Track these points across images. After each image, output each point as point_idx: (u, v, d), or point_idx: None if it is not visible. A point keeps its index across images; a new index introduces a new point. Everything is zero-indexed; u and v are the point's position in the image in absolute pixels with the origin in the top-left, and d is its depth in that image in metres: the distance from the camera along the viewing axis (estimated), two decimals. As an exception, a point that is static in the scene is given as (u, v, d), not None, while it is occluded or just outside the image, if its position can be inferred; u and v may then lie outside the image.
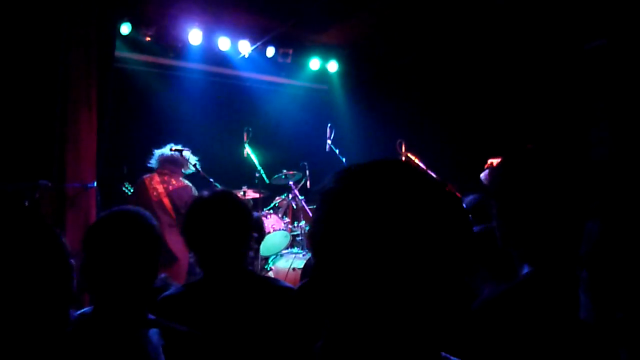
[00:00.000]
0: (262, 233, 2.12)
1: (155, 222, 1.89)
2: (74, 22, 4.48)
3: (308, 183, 6.28)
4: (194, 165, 5.08)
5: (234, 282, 1.95)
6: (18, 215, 1.37)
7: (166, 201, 4.82)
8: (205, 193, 2.04)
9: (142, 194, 4.86)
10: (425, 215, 0.75)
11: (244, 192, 5.80)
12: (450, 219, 0.77)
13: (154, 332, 1.62)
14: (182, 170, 5.06)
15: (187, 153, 5.07)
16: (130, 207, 1.77)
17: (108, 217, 1.71)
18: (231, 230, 1.93)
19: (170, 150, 5.05)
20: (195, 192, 5.01)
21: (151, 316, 1.68)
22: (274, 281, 2.05)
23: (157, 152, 5.06)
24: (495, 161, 5.88)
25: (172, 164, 4.99)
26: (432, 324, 0.74)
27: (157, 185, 4.85)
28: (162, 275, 2.18)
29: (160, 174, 4.95)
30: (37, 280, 1.31)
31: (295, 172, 6.15)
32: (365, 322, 0.74)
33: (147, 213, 1.82)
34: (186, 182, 5.05)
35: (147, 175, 4.99)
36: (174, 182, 4.91)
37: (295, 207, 6.20)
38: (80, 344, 1.46)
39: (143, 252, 1.69)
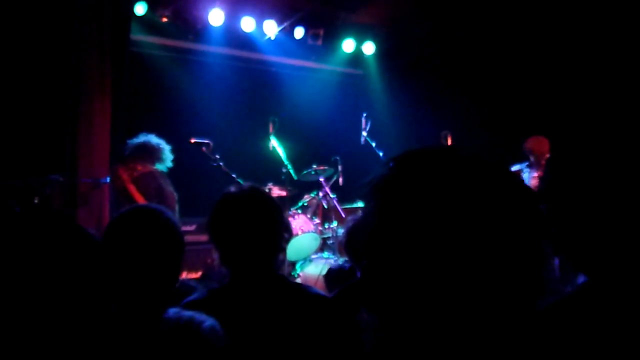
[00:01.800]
0: (290, 234, 2.14)
1: (177, 220, 1.97)
2: (85, 3, 4.61)
3: (340, 180, 6.24)
4: (171, 161, 5.11)
5: (264, 288, 1.96)
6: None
7: (131, 189, 4.86)
8: (233, 188, 2.07)
9: (112, 184, 4.96)
10: (497, 206, 0.74)
11: (269, 190, 5.74)
12: (521, 209, 0.76)
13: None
14: (155, 161, 5.08)
15: (165, 146, 5.12)
16: (152, 204, 1.85)
17: (127, 215, 1.78)
18: (262, 229, 1.95)
19: (190, 142, 5.16)
20: (163, 178, 5.02)
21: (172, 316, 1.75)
22: (307, 288, 2.05)
23: (130, 142, 5.09)
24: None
25: (142, 152, 5.05)
26: (503, 325, 0.74)
27: (122, 172, 4.90)
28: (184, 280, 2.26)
29: (127, 162, 5.01)
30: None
31: (326, 167, 6.15)
32: (430, 325, 0.74)
33: (169, 212, 1.91)
34: (154, 167, 5.07)
35: (119, 164, 5.08)
36: (139, 168, 4.96)
37: (326, 206, 6.17)
38: (100, 345, 1.57)
39: (163, 253, 1.75)
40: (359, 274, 2.89)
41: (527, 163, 6.37)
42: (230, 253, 1.99)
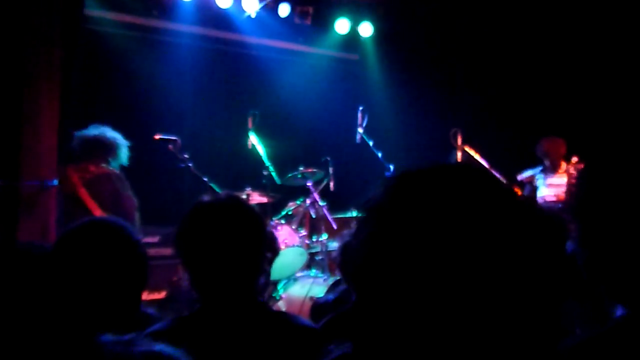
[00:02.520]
0: (275, 253, 2.13)
1: (139, 237, 1.95)
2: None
3: (332, 185, 6.29)
4: (127, 158, 5.09)
5: (242, 317, 1.95)
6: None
7: (83, 193, 4.81)
8: (206, 197, 2.05)
9: (61, 188, 4.92)
10: (510, 237, 0.77)
11: (248, 196, 5.82)
12: (539, 240, 0.79)
13: None
14: (110, 159, 5.10)
15: (122, 142, 5.09)
16: (109, 217, 1.84)
17: (78, 231, 1.81)
18: (241, 248, 1.94)
19: (154, 138, 5.13)
20: (120, 181, 4.97)
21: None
22: (292, 318, 2.03)
23: (79, 135, 5.05)
24: (577, 158, 6.09)
25: (94, 149, 5.01)
26: None
27: (72, 174, 4.87)
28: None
29: (77, 162, 4.98)
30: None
31: (315, 169, 6.16)
32: None
33: (129, 227, 1.89)
34: (110, 168, 5.05)
35: (69, 164, 5.04)
36: (93, 169, 4.93)
37: (314, 216, 6.22)
38: None
39: (122, 277, 1.77)
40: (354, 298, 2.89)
41: (541, 168, 6.46)
42: (202, 275, 1.97)
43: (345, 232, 3.26)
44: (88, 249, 1.75)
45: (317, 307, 4.56)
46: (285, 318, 2.05)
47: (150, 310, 2.55)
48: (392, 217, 0.81)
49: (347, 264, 2.93)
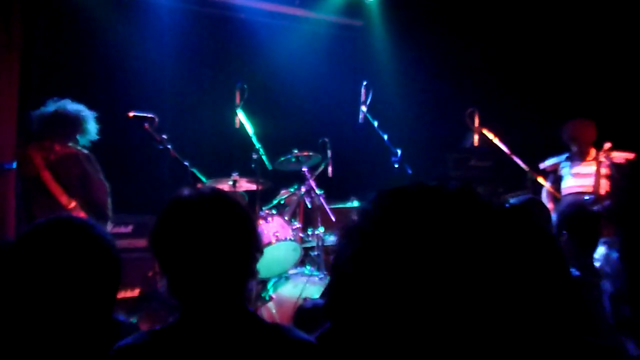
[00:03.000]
0: (261, 252, 2.14)
1: (110, 237, 1.94)
2: None
3: (330, 170, 6.25)
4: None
5: (228, 331, 1.94)
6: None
7: (46, 176, 4.84)
8: (187, 192, 2.04)
9: (21, 170, 4.95)
10: (499, 265, 0.83)
11: (234, 182, 5.80)
12: (526, 265, 0.85)
13: None
14: (77, 136, 5.10)
15: (88, 114, 5.10)
16: (76, 217, 1.82)
17: (41, 231, 1.80)
18: (227, 249, 1.93)
19: (128, 116, 5.06)
20: (90, 163, 5.01)
21: None
22: (287, 331, 2.02)
23: (36, 113, 5.06)
24: (610, 145, 6.08)
25: (58, 125, 5.02)
26: None
27: (35, 154, 4.88)
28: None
29: (40, 140, 4.99)
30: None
31: (311, 153, 6.12)
32: None
33: (99, 227, 1.88)
34: (78, 148, 5.08)
35: (31, 143, 5.04)
36: (58, 149, 4.94)
37: (309, 205, 6.18)
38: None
39: (91, 284, 1.78)
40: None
41: (567, 155, 6.45)
42: (183, 281, 1.96)
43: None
44: (51, 255, 1.74)
45: (303, 312, 4.52)
46: (278, 331, 2.03)
47: (122, 316, 2.54)
48: (375, 241, 0.87)
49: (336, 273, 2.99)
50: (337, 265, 0.93)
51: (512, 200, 3.40)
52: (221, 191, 2.10)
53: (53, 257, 1.76)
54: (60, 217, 1.93)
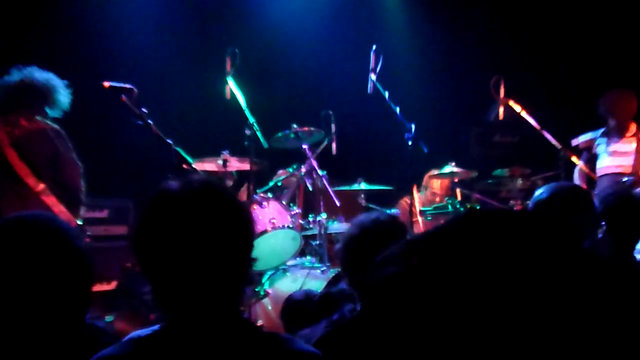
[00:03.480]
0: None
1: (78, 235, 1.94)
2: None
3: (334, 147, 6.25)
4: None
5: (221, 342, 1.93)
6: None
7: (11, 155, 4.84)
8: (174, 185, 2.01)
9: None
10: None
11: (225, 162, 5.79)
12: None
13: None
14: (46, 107, 5.08)
15: (58, 83, 5.07)
16: (43, 215, 1.81)
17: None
18: (221, 251, 1.92)
19: (103, 86, 5.03)
20: (61, 140, 4.98)
21: None
22: (288, 342, 2.01)
23: None
24: None
25: (25, 96, 5.00)
26: None
27: None
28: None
29: (3, 114, 4.98)
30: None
31: (312, 128, 6.11)
32: None
33: (70, 227, 1.87)
34: (48, 122, 5.05)
35: None
36: (24, 124, 4.93)
37: (311, 188, 6.16)
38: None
39: (58, 293, 1.81)
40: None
41: (603, 130, 6.44)
42: (169, 288, 1.94)
43: (358, 219, 3.19)
44: (12, 260, 1.78)
45: (291, 305, 4.50)
46: (278, 342, 2.03)
47: (100, 322, 2.55)
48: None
49: (353, 259, 2.98)
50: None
51: (544, 190, 3.34)
52: (214, 183, 2.08)
53: (14, 262, 1.80)
54: (23, 216, 1.95)
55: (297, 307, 4.09)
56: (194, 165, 4.73)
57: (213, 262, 1.91)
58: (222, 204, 1.98)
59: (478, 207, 6.29)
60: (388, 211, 6.11)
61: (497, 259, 0.93)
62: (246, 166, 5.80)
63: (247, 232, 2.00)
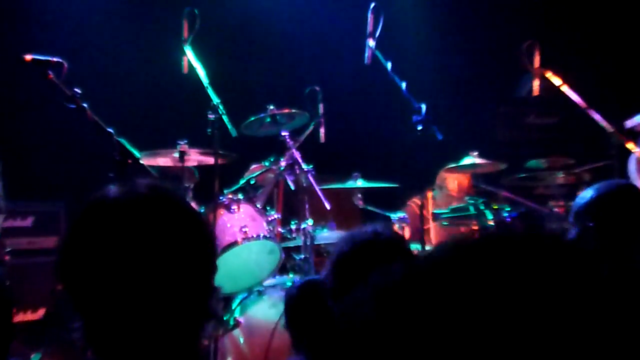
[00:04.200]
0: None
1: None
2: None
3: (322, 133, 6.30)
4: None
5: None
6: None
7: None
8: (113, 190, 2.04)
9: None
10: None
11: (182, 155, 5.74)
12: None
13: None
14: None
15: None
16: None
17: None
18: (173, 278, 1.95)
19: (26, 60, 4.90)
20: None
21: None
22: None
23: None
24: None
25: None
26: None
27: None
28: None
29: None
30: None
31: (294, 110, 6.20)
32: None
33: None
34: None
35: None
36: None
37: (292, 186, 6.21)
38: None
39: None
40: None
41: None
42: (103, 323, 1.96)
43: (350, 233, 3.17)
44: None
45: (293, 300, 4.51)
46: None
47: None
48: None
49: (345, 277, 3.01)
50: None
51: (590, 192, 3.31)
52: (165, 189, 2.12)
53: None
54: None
55: (300, 304, 3.89)
56: (142, 161, 4.75)
57: (161, 291, 1.94)
58: (174, 216, 2.02)
59: (508, 209, 6.25)
60: (393, 215, 6.25)
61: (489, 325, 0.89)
62: (210, 160, 5.75)
63: (206, 250, 2.05)
